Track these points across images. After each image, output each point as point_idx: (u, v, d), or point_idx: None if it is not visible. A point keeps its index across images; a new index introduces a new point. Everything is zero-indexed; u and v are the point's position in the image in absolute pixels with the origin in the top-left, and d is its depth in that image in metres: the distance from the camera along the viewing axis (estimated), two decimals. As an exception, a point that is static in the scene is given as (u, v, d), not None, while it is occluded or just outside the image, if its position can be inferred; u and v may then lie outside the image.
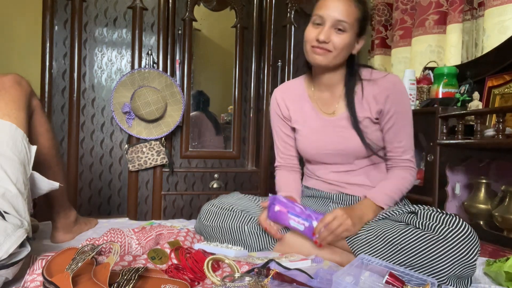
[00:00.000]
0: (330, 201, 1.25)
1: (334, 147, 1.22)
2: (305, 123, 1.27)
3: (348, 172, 1.24)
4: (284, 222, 1.13)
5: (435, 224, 0.96)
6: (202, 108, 2.58)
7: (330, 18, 1.11)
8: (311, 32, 1.15)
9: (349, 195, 1.23)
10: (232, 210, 1.21)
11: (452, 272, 0.92)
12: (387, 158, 1.23)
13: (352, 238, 1.09)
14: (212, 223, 1.21)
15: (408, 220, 1.03)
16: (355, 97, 1.19)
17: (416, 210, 1.04)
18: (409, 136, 1.21)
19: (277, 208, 1.13)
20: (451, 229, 0.94)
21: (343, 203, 1.23)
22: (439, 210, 1.02)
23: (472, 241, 0.93)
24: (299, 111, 1.29)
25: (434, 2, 2.00)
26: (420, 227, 0.98)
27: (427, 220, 0.99)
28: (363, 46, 1.23)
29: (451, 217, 0.97)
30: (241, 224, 1.18)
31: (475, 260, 0.93)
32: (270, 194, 1.21)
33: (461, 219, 0.96)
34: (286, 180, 1.32)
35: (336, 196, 1.24)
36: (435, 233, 0.95)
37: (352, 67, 1.20)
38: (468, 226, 0.95)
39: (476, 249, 0.93)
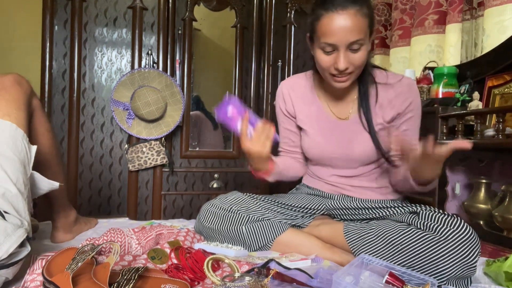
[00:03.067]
0: (330, 201, 1.24)
1: (341, 152, 1.19)
2: (312, 124, 1.23)
3: (351, 177, 1.22)
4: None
5: (436, 225, 0.96)
6: (201, 108, 2.58)
7: (343, 44, 0.99)
8: (325, 61, 1.03)
9: (350, 196, 1.22)
10: (231, 210, 1.21)
11: (453, 273, 0.92)
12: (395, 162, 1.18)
13: (353, 238, 1.08)
14: (211, 224, 1.20)
15: (409, 221, 1.02)
16: (370, 101, 1.14)
17: (418, 211, 1.04)
18: (417, 140, 1.17)
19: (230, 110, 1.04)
20: (452, 230, 0.94)
21: (342, 203, 1.22)
22: (440, 211, 1.01)
23: (473, 242, 0.93)
24: (307, 110, 1.24)
25: (433, 2, 2.00)
26: (421, 228, 0.98)
27: (428, 220, 0.98)
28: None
29: (452, 218, 0.96)
30: (239, 226, 1.18)
31: (476, 261, 0.93)
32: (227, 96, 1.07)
33: (462, 220, 0.96)
34: (281, 160, 1.29)
35: (337, 197, 1.23)
36: (436, 234, 0.95)
37: (365, 66, 1.12)
38: (469, 227, 0.94)
39: (477, 250, 0.93)
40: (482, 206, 1.43)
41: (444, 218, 0.97)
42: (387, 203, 1.15)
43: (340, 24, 0.97)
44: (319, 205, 1.22)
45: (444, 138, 1.54)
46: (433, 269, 0.93)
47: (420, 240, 0.96)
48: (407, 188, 1.15)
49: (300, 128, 1.29)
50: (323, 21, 0.99)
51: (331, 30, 0.98)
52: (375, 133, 1.13)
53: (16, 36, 2.61)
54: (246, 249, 1.17)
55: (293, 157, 1.34)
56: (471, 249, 0.92)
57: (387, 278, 0.82)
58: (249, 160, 1.12)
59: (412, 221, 1.01)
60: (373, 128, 1.13)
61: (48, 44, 2.15)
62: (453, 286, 0.93)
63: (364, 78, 1.14)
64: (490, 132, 1.41)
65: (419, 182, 1.06)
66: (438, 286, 0.89)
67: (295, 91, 1.26)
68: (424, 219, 1.00)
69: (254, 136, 1.05)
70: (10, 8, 2.61)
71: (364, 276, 0.84)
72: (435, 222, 0.97)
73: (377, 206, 1.15)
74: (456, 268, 0.92)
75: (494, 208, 1.38)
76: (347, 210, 1.18)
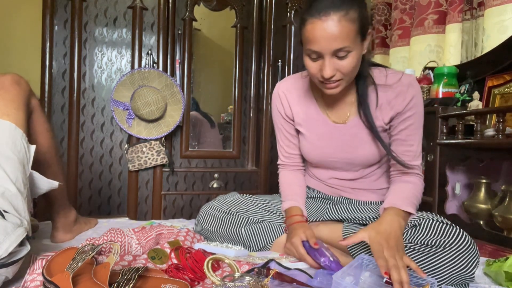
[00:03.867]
0: (330, 203, 1.23)
1: (341, 156, 1.16)
2: (310, 128, 1.19)
3: (351, 180, 1.20)
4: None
5: (435, 238, 0.95)
6: (193, 108, 2.58)
7: (327, 51, 0.94)
8: (311, 67, 1.00)
9: (349, 199, 1.21)
10: (230, 212, 1.20)
11: (450, 282, 0.92)
12: (392, 164, 1.14)
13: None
14: (210, 227, 1.20)
15: (408, 238, 1.00)
16: (369, 104, 1.10)
17: (417, 224, 1.01)
18: (420, 141, 1.13)
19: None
20: (451, 241, 0.93)
21: (344, 205, 1.21)
22: (439, 219, 0.99)
23: (472, 253, 0.92)
24: (304, 114, 1.19)
25: (433, 1, 2.00)
26: (420, 243, 0.97)
27: (427, 236, 0.96)
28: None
29: (451, 227, 0.95)
30: (239, 228, 1.17)
31: (474, 271, 0.92)
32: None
33: (461, 230, 0.94)
34: (290, 184, 1.26)
35: (337, 199, 1.23)
36: (434, 245, 0.94)
37: (361, 69, 1.07)
38: (468, 238, 0.93)
39: (475, 261, 0.92)
40: (482, 206, 1.43)
41: (443, 228, 0.95)
42: None
43: (323, 31, 0.92)
44: (318, 213, 1.21)
45: (444, 138, 1.54)
46: (431, 275, 0.92)
47: (418, 250, 0.96)
48: None
49: (297, 131, 1.24)
50: (307, 27, 0.95)
51: (314, 37, 0.94)
52: (378, 133, 1.09)
53: (16, 36, 2.61)
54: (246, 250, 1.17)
55: (295, 164, 1.29)
56: (469, 259, 0.91)
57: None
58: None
59: (411, 238, 0.99)
60: (376, 129, 1.09)
61: (48, 44, 2.15)
62: (451, 285, 0.93)
63: (362, 80, 1.09)
64: (490, 132, 1.41)
65: None
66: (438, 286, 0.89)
67: (291, 94, 1.21)
68: (423, 232, 0.98)
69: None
70: (10, 8, 2.61)
71: (364, 277, 0.84)
72: (434, 235, 0.95)
73: (377, 211, 1.13)
74: (453, 277, 0.91)
75: (494, 208, 1.38)
76: (346, 217, 1.17)
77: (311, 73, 1.02)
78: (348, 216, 1.16)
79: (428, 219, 1.00)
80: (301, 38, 1.01)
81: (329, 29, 0.92)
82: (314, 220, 1.21)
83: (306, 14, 0.95)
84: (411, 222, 1.03)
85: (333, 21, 0.91)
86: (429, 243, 0.95)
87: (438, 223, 0.98)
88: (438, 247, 0.93)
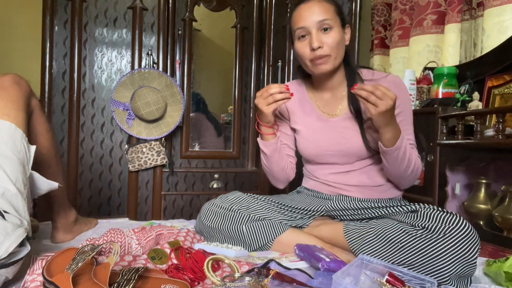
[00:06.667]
0: (330, 202, 1.25)
1: (336, 148, 1.22)
2: (306, 124, 1.28)
3: (348, 173, 1.24)
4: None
5: (434, 224, 0.96)
6: (202, 109, 2.58)
7: (313, 24, 1.12)
8: (302, 47, 1.15)
9: (348, 196, 1.23)
10: (232, 209, 1.21)
11: (453, 271, 0.92)
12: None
13: (353, 237, 1.09)
14: (212, 223, 1.21)
15: (408, 220, 1.03)
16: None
17: (417, 209, 1.05)
18: (412, 135, 1.21)
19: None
20: (450, 227, 0.94)
21: (342, 204, 1.22)
22: (439, 208, 1.02)
23: (472, 238, 0.93)
24: (300, 112, 1.29)
25: (432, 2, 2.00)
26: (420, 227, 0.98)
27: (427, 221, 0.99)
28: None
29: (450, 215, 0.97)
30: (240, 225, 1.18)
31: (476, 257, 0.93)
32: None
33: (461, 217, 0.96)
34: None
35: (335, 197, 1.24)
36: (435, 233, 0.95)
37: (350, 65, 1.22)
38: (468, 224, 0.95)
39: (476, 246, 0.93)
40: (482, 206, 1.43)
41: (442, 216, 0.98)
42: (385, 202, 1.16)
43: (307, 9, 1.13)
44: (319, 206, 1.23)
45: (444, 138, 1.54)
46: (434, 267, 0.93)
47: (419, 239, 0.96)
48: (396, 170, 1.15)
49: (294, 130, 1.32)
50: (294, 14, 1.16)
51: (300, 16, 1.14)
52: (362, 125, 1.18)
53: (16, 36, 2.61)
54: (246, 248, 1.17)
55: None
56: (470, 245, 0.92)
57: (387, 278, 0.82)
58: (258, 113, 1.22)
59: (411, 220, 1.02)
60: (362, 119, 1.18)
61: (48, 44, 2.15)
62: (453, 285, 0.93)
63: (350, 76, 1.21)
64: (490, 132, 1.41)
65: (385, 145, 1.11)
66: (438, 286, 0.89)
67: None
68: (423, 218, 1.00)
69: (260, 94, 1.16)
70: (10, 8, 2.61)
71: (364, 277, 0.84)
72: (434, 222, 0.97)
73: (376, 206, 1.15)
74: (456, 265, 0.92)
75: (494, 208, 1.38)
76: (346, 211, 1.18)
77: (301, 53, 1.16)
78: (348, 206, 1.18)
79: (428, 208, 1.03)
80: (290, 29, 1.18)
81: (312, 7, 1.13)
82: (315, 212, 1.22)
83: (294, 9, 1.19)
84: (410, 207, 1.07)
85: (314, 2, 1.14)
86: (429, 227, 0.97)
87: (438, 212, 1.00)
88: (439, 234, 0.95)
